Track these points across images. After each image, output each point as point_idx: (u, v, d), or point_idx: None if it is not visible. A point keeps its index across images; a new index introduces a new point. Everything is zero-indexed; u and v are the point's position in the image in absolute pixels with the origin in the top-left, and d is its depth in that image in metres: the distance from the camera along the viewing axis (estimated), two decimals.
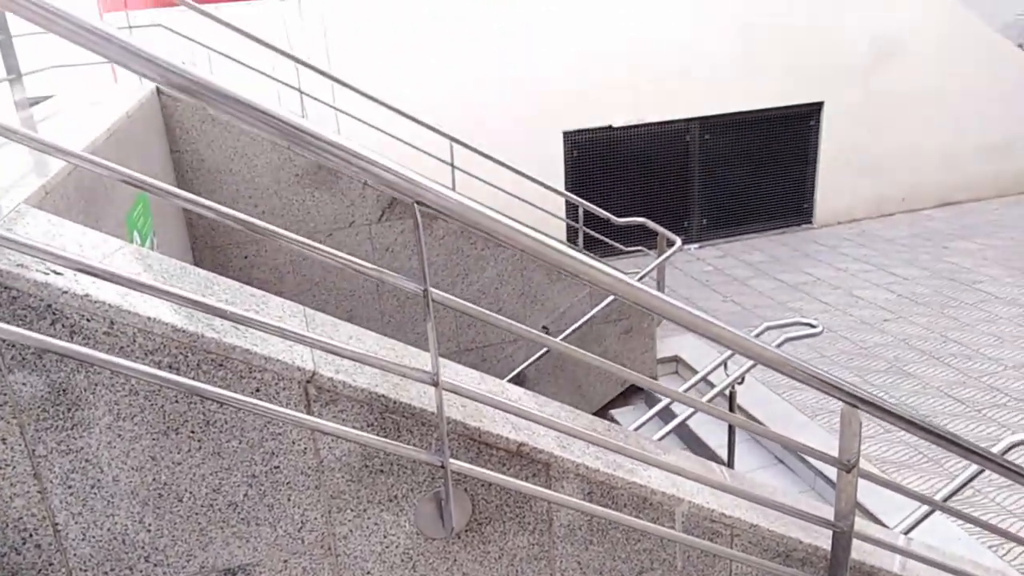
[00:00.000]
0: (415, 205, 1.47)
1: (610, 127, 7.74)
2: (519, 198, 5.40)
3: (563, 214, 6.92)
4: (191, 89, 1.27)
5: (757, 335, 4.08)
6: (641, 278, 5.36)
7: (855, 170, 8.59)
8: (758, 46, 7.83)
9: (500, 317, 1.58)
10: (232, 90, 1.31)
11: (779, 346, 3.77)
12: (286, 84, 5.24)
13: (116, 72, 5.24)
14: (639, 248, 6.24)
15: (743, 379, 3.79)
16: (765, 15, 7.75)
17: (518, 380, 5.11)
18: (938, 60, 8.38)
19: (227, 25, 4.79)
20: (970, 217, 8.53)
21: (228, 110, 1.29)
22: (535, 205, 5.52)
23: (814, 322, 3.95)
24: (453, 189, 5.31)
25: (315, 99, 5.27)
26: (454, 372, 1.87)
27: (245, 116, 1.30)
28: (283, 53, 5.07)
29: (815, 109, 8.29)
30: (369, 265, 1.51)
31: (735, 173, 8.36)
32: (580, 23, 7.30)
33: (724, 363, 3.92)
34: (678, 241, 5.37)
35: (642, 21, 7.43)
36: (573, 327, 5.15)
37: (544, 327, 5.33)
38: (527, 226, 4.78)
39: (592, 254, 6.10)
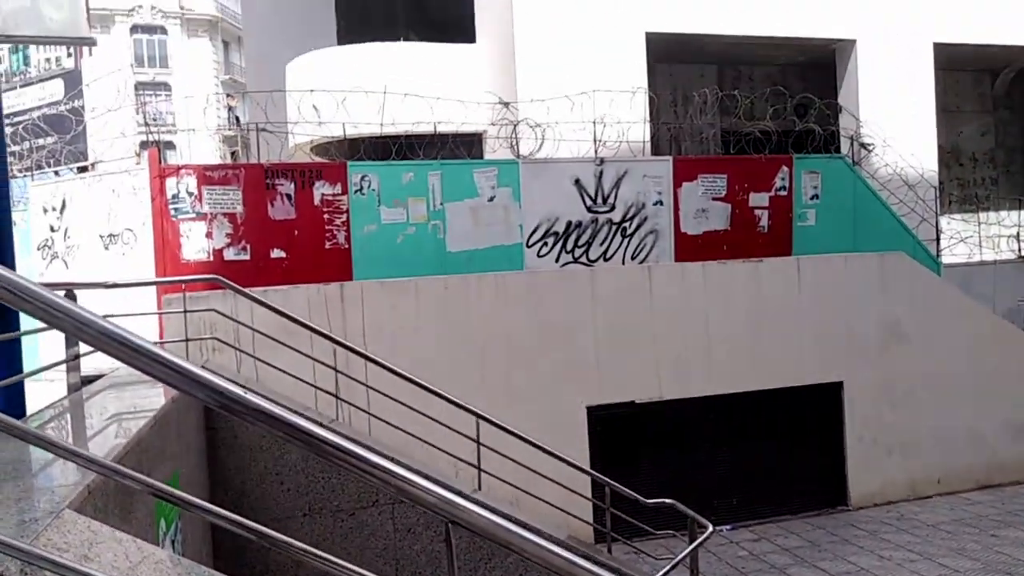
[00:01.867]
0: (448, 525, 1.49)
1: (632, 403, 7.85)
2: (544, 476, 5.34)
3: (589, 492, 6.76)
4: (237, 411, 1.37)
5: None
6: (674, 566, 5.08)
7: (883, 450, 8.45)
8: (774, 327, 8.16)
9: None
10: (278, 411, 1.41)
11: None
12: (322, 363, 5.49)
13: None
14: (669, 531, 5.99)
15: None
16: (779, 298, 8.19)
17: None
18: (950, 341, 8.62)
19: (273, 309, 5.18)
20: (1015, 502, 8.17)
21: (275, 432, 1.38)
22: (560, 484, 5.43)
23: None
24: (479, 465, 5.30)
25: (350, 377, 5.49)
26: None
27: (292, 438, 1.39)
28: (322, 334, 5.40)
29: (836, 388, 8.39)
30: None
31: (762, 451, 8.25)
32: (602, 302, 7.74)
33: None
34: (709, 526, 5.17)
35: (663, 301, 7.86)
36: None
37: None
38: (556, 507, 4.65)
39: (620, 537, 5.86)
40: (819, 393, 8.37)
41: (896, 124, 10.14)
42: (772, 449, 8.30)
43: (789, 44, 10.99)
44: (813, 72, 11.73)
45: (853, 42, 10.99)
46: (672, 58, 11.07)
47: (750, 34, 10.59)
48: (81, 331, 1.29)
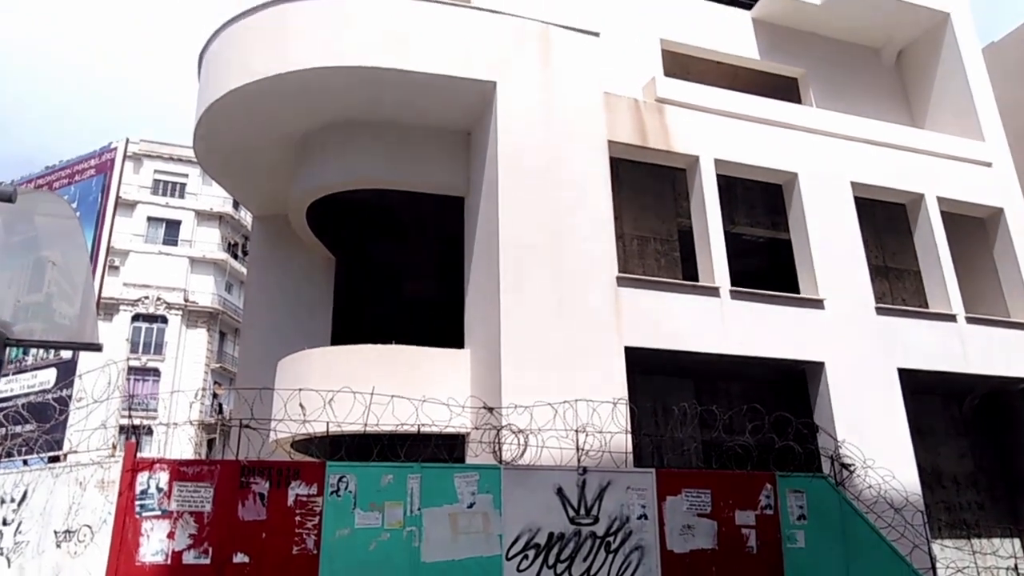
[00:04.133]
0: None
1: None
2: None
3: None
4: None
5: None
6: None
7: None
8: None
9: None
10: None
11: None
12: None
13: None
14: None
15: None
16: None
17: None
18: None
19: None
20: None
21: None
22: None
23: None
24: None
25: None
26: None
27: None
28: None
29: None
30: None
31: None
32: None
33: None
34: None
35: None
36: None
37: None
38: None
39: None
40: None
41: (873, 444, 10.30)
42: None
43: (761, 363, 11.57)
44: (788, 388, 12.21)
45: (821, 364, 11.61)
46: (651, 370, 11.56)
47: (720, 352, 11.20)
48: None
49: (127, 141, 14.31)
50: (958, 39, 15.11)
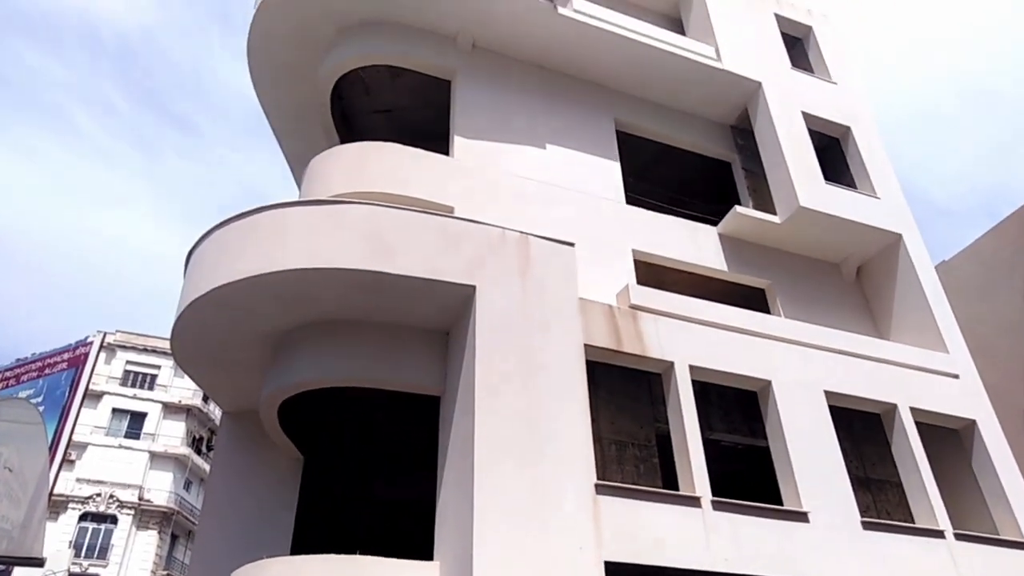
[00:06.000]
0: None
1: None
2: None
3: None
4: None
5: None
6: None
7: None
8: None
9: None
10: None
11: None
12: None
13: None
14: None
15: None
16: None
17: None
18: None
19: None
20: None
21: None
22: None
23: None
24: None
25: None
26: None
27: None
28: None
29: None
30: None
31: None
32: None
33: None
34: None
35: None
36: None
37: None
38: None
39: None
40: None
41: None
42: None
43: None
44: None
45: None
46: None
47: (704, 570, 10.60)
48: None
49: (103, 335, 14.25)
50: (912, 257, 16.08)
